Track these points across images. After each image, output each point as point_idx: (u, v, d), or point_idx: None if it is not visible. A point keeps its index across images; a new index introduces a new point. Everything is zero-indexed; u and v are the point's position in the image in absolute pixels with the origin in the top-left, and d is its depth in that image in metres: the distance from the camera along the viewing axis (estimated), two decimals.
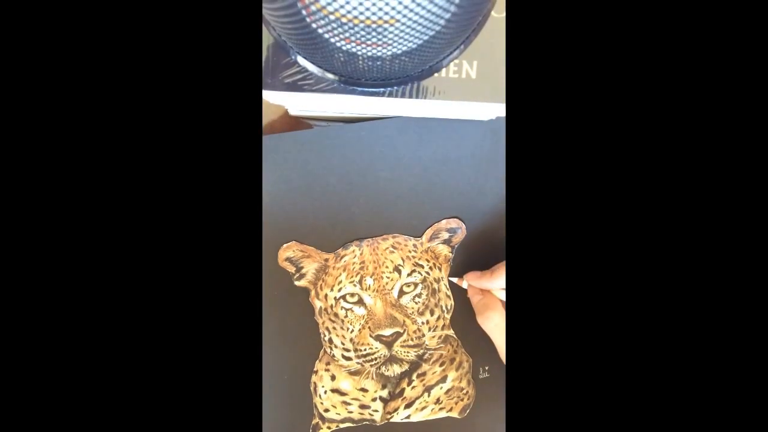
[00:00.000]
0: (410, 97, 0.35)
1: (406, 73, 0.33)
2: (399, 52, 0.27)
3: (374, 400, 0.42)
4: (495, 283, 0.37)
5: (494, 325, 0.36)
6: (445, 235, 0.41)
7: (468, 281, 0.39)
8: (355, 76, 0.33)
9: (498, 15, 0.34)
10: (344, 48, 0.27)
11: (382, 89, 0.35)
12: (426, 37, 0.26)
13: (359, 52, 0.27)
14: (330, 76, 0.34)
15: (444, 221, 0.41)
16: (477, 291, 0.39)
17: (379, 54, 0.27)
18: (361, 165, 0.41)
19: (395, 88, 0.35)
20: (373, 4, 0.22)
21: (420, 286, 0.41)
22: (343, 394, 0.42)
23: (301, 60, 0.33)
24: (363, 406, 0.42)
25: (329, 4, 0.22)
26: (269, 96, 0.35)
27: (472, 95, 0.35)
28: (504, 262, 0.36)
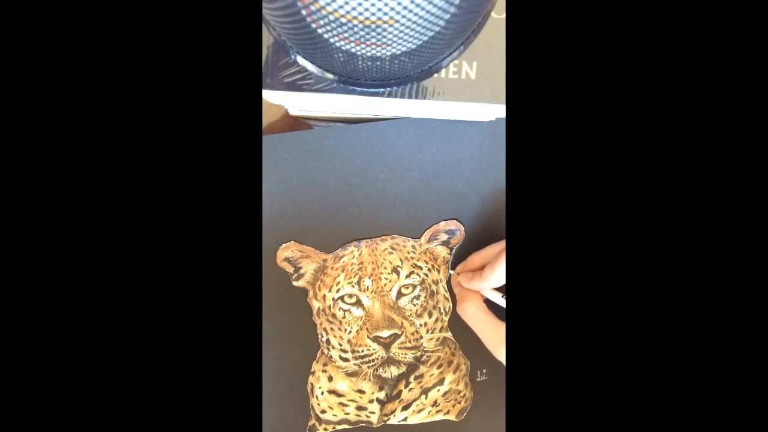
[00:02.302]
0: (410, 97, 0.35)
1: (405, 74, 0.33)
2: (398, 52, 0.27)
3: (371, 401, 0.42)
4: (483, 284, 0.36)
5: (469, 315, 0.36)
6: (444, 237, 0.41)
7: (462, 282, 0.38)
8: (354, 77, 0.33)
9: (498, 16, 0.34)
10: (344, 48, 0.27)
11: (381, 89, 0.35)
12: (425, 38, 0.26)
13: (359, 53, 0.27)
14: (329, 75, 0.34)
15: (443, 223, 0.41)
16: (457, 283, 0.39)
17: (379, 54, 0.28)
18: (361, 166, 0.40)
19: (395, 88, 0.35)
20: (373, 5, 0.22)
21: (418, 287, 0.41)
22: (340, 395, 0.42)
23: (300, 60, 0.33)
24: (360, 408, 0.42)
25: (329, 3, 0.23)
26: (269, 96, 0.35)
27: (472, 96, 0.35)
28: (492, 264, 0.36)
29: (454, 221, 0.41)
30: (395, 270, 0.41)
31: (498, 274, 0.35)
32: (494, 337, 0.35)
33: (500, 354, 0.35)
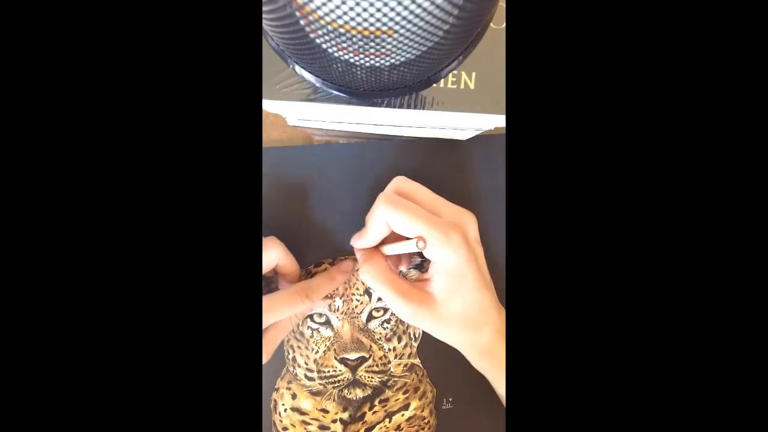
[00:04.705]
0: (408, 107, 0.35)
1: (404, 84, 0.33)
2: (397, 62, 0.27)
3: (334, 421, 0.41)
4: (363, 241, 0.35)
5: (370, 277, 0.34)
6: (417, 260, 0.39)
7: (352, 242, 0.37)
8: (353, 86, 0.33)
9: (497, 27, 0.34)
10: (342, 58, 0.27)
11: (380, 99, 0.35)
12: (424, 48, 0.26)
13: (357, 63, 0.27)
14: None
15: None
16: (358, 249, 0.37)
17: (377, 64, 0.27)
18: (342, 184, 0.40)
19: (393, 98, 0.35)
20: (371, 15, 0.22)
21: (389, 311, 0.40)
22: (303, 413, 0.41)
23: (299, 70, 0.33)
24: (322, 427, 0.41)
25: (327, 14, 0.23)
26: (267, 105, 0.35)
27: (471, 106, 0.35)
28: (371, 221, 0.35)
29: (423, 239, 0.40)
30: (367, 292, 0.40)
31: (374, 228, 0.34)
32: (393, 294, 0.33)
33: (403, 314, 0.33)
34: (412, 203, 0.33)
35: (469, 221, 0.34)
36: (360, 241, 0.36)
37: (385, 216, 0.33)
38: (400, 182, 0.35)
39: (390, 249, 0.36)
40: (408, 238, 0.34)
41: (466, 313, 0.33)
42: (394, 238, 0.36)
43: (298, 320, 0.39)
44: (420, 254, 0.35)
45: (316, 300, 0.37)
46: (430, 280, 0.34)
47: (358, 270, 0.40)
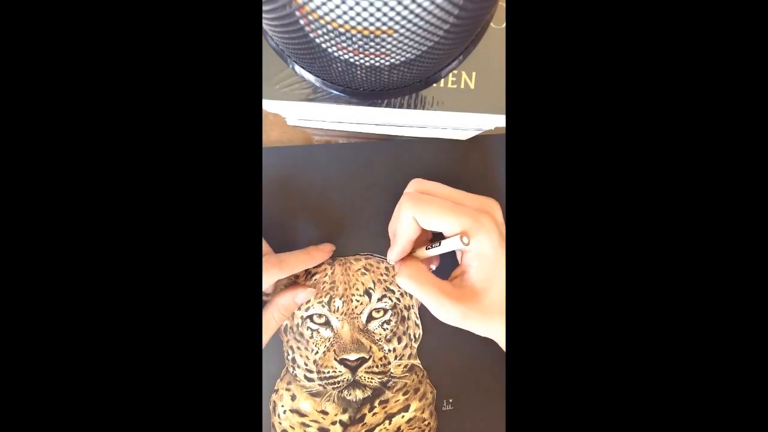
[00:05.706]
0: (408, 107, 0.35)
1: (404, 84, 0.33)
2: (397, 62, 0.27)
3: (334, 423, 0.41)
4: (391, 255, 0.35)
5: (408, 280, 0.33)
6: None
7: (387, 258, 0.37)
8: (353, 86, 0.33)
9: (497, 26, 0.34)
10: (342, 58, 0.27)
11: (380, 99, 0.35)
12: (424, 48, 0.26)
13: (357, 62, 0.27)
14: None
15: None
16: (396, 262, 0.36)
17: (377, 64, 0.27)
18: (340, 184, 0.40)
19: (393, 98, 0.35)
20: (371, 14, 0.22)
21: (390, 312, 0.40)
22: (302, 415, 0.41)
23: (299, 69, 0.33)
24: (322, 429, 0.41)
25: (327, 14, 0.22)
26: (267, 105, 0.35)
27: (471, 106, 0.35)
28: (398, 226, 0.34)
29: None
30: (367, 292, 0.40)
31: (403, 232, 0.34)
32: (438, 296, 0.32)
33: (450, 317, 0.32)
34: (435, 197, 0.33)
35: (494, 207, 0.34)
36: (393, 252, 0.36)
37: (413, 214, 0.32)
38: (417, 183, 0.35)
39: (432, 251, 0.35)
40: (438, 235, 0.33)
41: (505, 299, 0.32)
42: (423, 241, 0.36)
43: (287, 314, 0.38)
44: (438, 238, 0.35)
45: (287, 271, 0.36)
46: (466, 272, 0.33)
47: (354, 268, 0.40)
